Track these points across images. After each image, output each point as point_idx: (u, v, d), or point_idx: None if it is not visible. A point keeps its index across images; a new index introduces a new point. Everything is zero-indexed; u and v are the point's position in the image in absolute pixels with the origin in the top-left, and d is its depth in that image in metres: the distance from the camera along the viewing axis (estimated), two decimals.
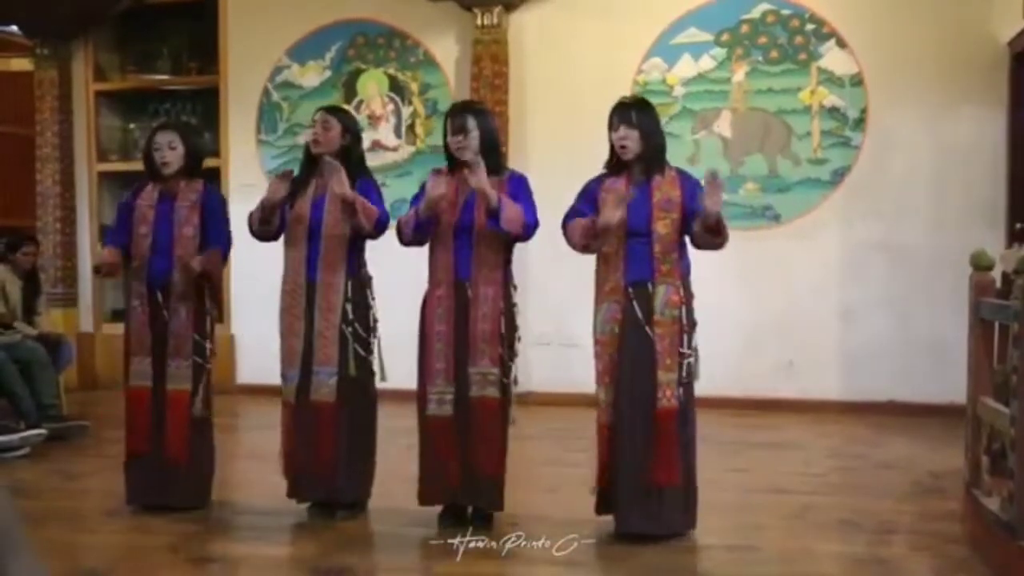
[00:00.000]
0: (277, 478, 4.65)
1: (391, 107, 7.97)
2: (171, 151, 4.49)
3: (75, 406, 6.94)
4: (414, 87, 7.92)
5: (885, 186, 7.10)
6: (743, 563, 3.83)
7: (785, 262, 7.24)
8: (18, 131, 9.11)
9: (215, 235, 4.53)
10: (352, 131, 4.44)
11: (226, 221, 4.62)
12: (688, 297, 4.02)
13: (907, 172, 7.08)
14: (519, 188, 4.18)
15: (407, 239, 4.22)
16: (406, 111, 7.94)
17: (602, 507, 4.12)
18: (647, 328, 3.94)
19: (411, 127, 7.93)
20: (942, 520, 4.30)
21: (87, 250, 8.68)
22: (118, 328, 8.56)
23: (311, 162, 4.42)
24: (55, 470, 5.45)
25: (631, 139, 3.99)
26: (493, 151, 4.19)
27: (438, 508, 4.29)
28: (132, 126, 8.85)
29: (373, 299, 4.43)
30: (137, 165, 8.73)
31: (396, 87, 7.96)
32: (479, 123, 4.16)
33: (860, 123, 7.14)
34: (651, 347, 3.93)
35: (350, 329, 4.32)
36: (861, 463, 5.54)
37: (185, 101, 8.83)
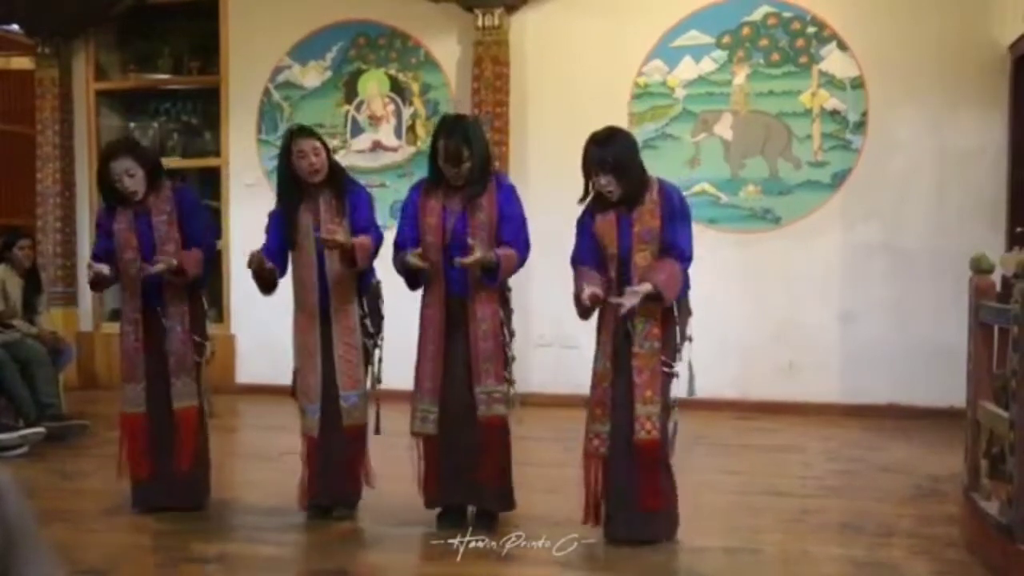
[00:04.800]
0: (277, 477, 4.67)
1: (392, 108, 7.97)
2: (131, 178, 4.37)
3: (74, 405, 6.93)
4: (415, 88, 7.93)
5: (885, 189, 7.10)
6: (742, 565, 3.83)
7: (785, 264, 7.23)
8: (19, 130, 9.11)
9: (192, 236, 4.46)
10: (327, 146, 4.41)
11: (202, 219, 4.58)
12: (683, 314, 3.98)
13: (908, 175, 7.09)
14: (509, 201, 4.15)
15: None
16: (407, 112, 7.94)
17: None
18: (630, 361, 3.93)
19: (412, 128, 7.93)
20: (941, 524, 4.30)
21: (87, 249, 8.62)
22: (118, 328, 8.62)
23: (296, 189, 4.32)
24: (54, 469, 5.45)
25: (613, 184, 3.92)
26: (484, 170, 4.15)
27: (437, 509, 4.30)
28: (133, 125, 8.86)
29: (383, 305, 4.45)
30: None
31: (397, 88, 7.96)
32: (472, 149, 4.05)
33: (861, 126, 7.14)
34: (631, 380, 3.93)
35: (372, 342, 4.37)
36: (860, 466, 5.53)
37: (186, 101, 8.83)
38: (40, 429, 5.91)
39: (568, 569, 3.78)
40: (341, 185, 4.35)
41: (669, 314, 3.94)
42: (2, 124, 9.26)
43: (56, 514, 4.44)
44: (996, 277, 4.08)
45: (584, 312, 3.99)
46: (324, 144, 4.35)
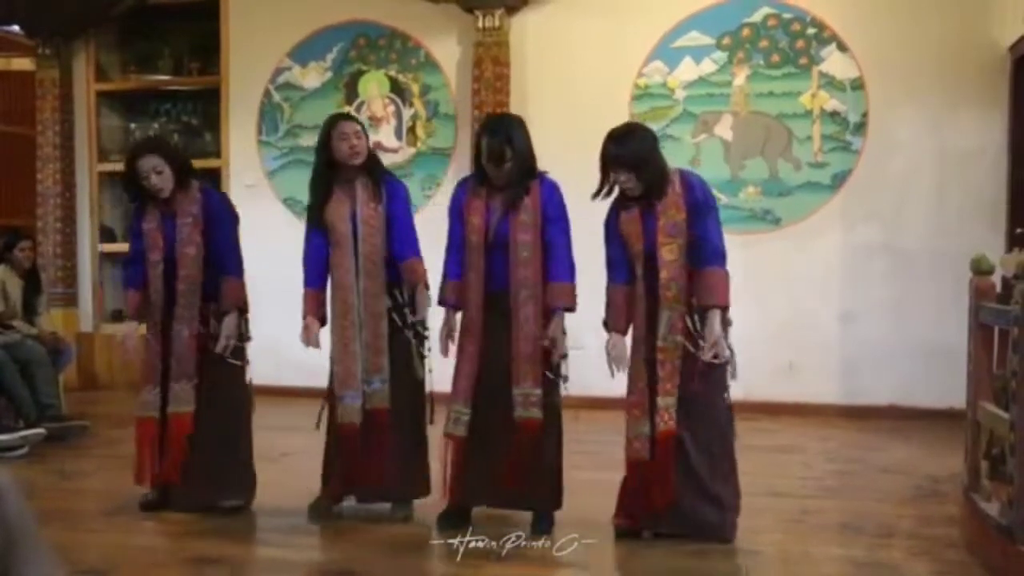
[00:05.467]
0: (279, 477, 4.66)
1: (392, 108, 7.97)
2: (158, 176, 4.37)
3: (74, 406, 6.93)
4: (415, 89, 7.93)
5: (886, 190, 7.10)
6: (742, 565, 3.83)
7: (785, 266, 7.23)
8: (19, 131, 9.11)
9: (222, 255, 4.46)
10: (366, 133, 4.45)
11: (229, 231, 4.54)
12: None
13: (908, 176, 7.09)
14: (553, 202, 4.12)
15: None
16: (407, 113, 7.94)
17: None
18: (654, 354, 3.92)
19: (412, 129, 7.93)
20: (941, 524, 4.30)
21: (87, 250, 8.68)
22: (118, 328, 8.64)
23: (332, 172, 4.34)
24: (54, 470, 5.45)
25: (632, 181, 3.92)
26: (527, 169, 4.15)
27: (437, 507, 4.31)
28: (133, 126, 8.86)
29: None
30: None
31: (397, 89, 7.96)
32: (515, 149, 4.08)
33: (861, 127, 7.14)
34: (654, 373, 3.91)
35: (412, 332, 4.34)
36: (860, 467, 5.53)
37: (186, 101, 8.84)
38: (40, 430, 5.90)
39: (568, 569, 3.78)
40: (378, 172, 4.38)
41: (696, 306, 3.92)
42: (2, 125, 9.26)
43: (56, 514, 4.44)
44: (996, 278, 4.08)
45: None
46: (365, 129, 4.40)
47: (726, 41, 7.33)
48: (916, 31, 7.02)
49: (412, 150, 7.91)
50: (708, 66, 7.36)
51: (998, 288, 4.02)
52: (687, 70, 7.39)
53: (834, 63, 7.18)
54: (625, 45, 7.45)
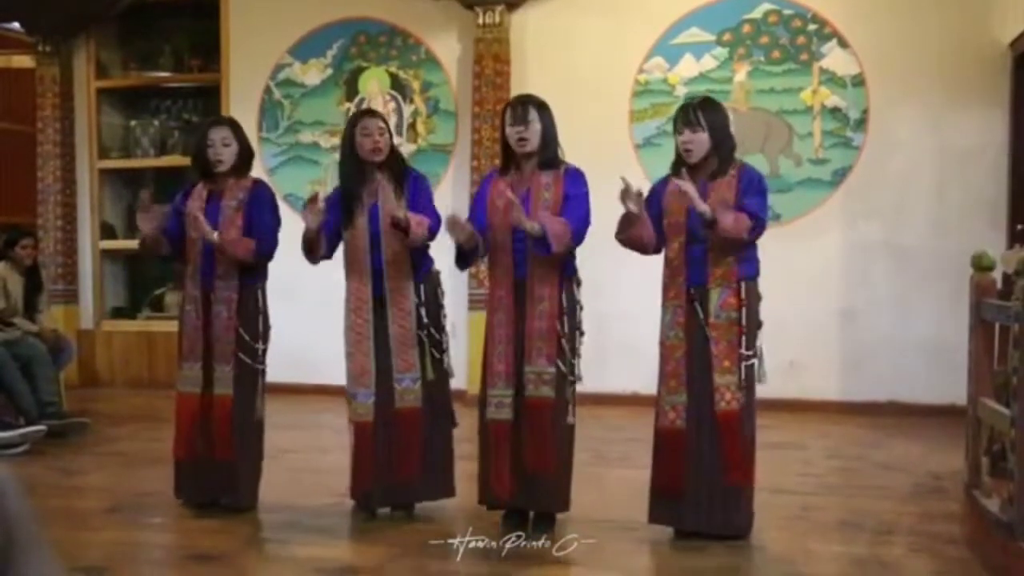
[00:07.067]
0: (278, 475, 4.66)
1: (392, 105, 7.97)
2: (225, 148, 4.43)
3: (75, 403, 6.94)
4: (415, 85, 7.93)
5: (886, 187, 7.10)
6: (742, 563, 3.83)
7: (786, 262, 7.18)
8: (19, 128, 9.12)
9: (255, 229, 4.45)
10: (391, 130, 4.45)
11: (270, 216, 4.52)
12: (752, 299, 3.95)
13: (908, 173, 7.08)
14: (574, 184, 4.10)
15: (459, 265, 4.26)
16: (407, 109, 7.94)
17: (655, 512, 4.05)
18: (705, 331, 3.91)
19: (412, 125, 7.93)
20: (942, 521, 4.30)
21: (88, 247, 8.69)
22: (119, 325, 8.69)
23: (358, 170, 4.32)
24: (54, 467, 5.45)
25: (695, 142, 3.92)
26: (552, 144, 4.13)
27: (438, 507, 4.30)
28: (133, 123, 8.86)
29: (443, 296, 4.43)
30: (137, 163, 8.80)
31: (398, 85, 7.96)
32: (540, 116, 4.08)
33: (861, 123, 7.14)
34: (708, 350, 3.91)
35: (424, 332, 4.31)
36: (861, 464, 5.54)
37: (186, 98, 8.84)
38: (41, 427, 5.90)
39: (568, 569, 3.78)
40: (400, 169, 4.38)
41: (744, 291, 3.92)
42: (3, 122, 9.27)
43: (57, 512, 4.44)
44: (997, 275, 4.08)
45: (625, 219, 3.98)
46: (388, 127, 4.40)
47: (727, 37, 7.32)
48: (917, 27, 7.01)
49: (412, 147, 7.90)
50: (708, 62, 7.35)
51: (999, 285, 4.02)
52: (687, 66, 7.39)
53: (835, 59, 7.17)
54: (625, 41, 7.44)
